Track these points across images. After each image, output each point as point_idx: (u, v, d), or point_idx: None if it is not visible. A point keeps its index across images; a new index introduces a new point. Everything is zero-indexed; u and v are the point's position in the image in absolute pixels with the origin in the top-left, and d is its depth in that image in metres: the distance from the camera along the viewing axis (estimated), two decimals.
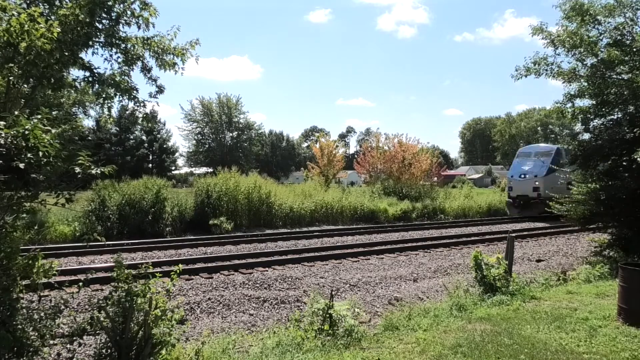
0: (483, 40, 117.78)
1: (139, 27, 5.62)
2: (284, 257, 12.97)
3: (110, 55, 5.58)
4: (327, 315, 6.57)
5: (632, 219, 11.82)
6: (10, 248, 4.42)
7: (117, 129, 59.26)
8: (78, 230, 16.52)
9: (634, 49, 11.34)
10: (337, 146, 40.64)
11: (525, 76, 12.76)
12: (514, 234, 10.54)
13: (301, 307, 8.76)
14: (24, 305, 4.66)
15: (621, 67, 11.80)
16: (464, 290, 9.05)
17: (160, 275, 5.46)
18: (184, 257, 12.34)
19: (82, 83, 5.55)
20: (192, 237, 17.21)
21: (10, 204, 4.47)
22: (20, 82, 4.88)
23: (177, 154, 68.69)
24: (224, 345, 6.24)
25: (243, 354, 6.08)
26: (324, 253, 13.71)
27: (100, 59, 5.62)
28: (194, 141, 70.76)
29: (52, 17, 4.95)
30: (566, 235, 18.84)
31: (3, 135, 3.99)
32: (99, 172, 4.77)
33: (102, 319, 4.86)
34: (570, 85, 12.70)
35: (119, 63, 5.61)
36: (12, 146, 4.05)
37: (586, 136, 13.61)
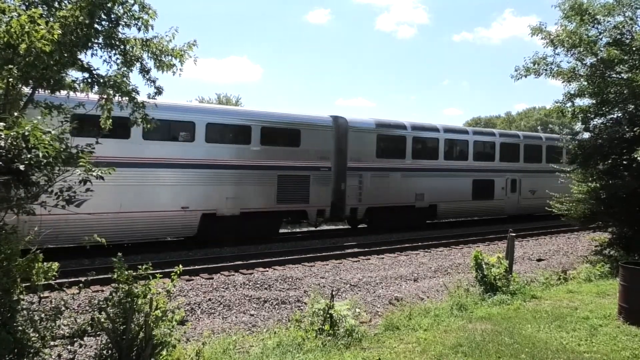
0: (482, 39, 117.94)
1: (138, 29, 5.62)
2: (284, 257, 12.97)
3: (110, 57, 5.59)
4: (328, 316, 6.57)
5: (633, 217, 11.82)
6: (10, 249, 4.42)
7: None
8: None
9: (634, 48, 11.33)
10: None
11: (525, 76, 12.76)
12: (514, 233, 10.53)
13: (302, 308, 8.76)
14: (24, 306, 4.66)
15: (621, 66, 11.79)
16: (464, 289, 9.05)
17: (160, 276, 5.46)
18: (184, 258, 12.33)
19: (81, 84, 5.54)
20: None
21: (10, 206, 4.47)
22: (19, 84, 4.88)
23: None
24: (224, 346, 6.25)
25: (244, 355, 6.08)
26: (324, 253, 13.71)
27: (99, 60, 5.63)
28: None
29: (52, 19, 4.96)
30: (567, 234, 18.84)
31: (3, 136, 3.99)
32: (100, 173, 4.78)
33: (102, 320, 4.87)
34: (570, 84, 12.70)
35: (117, 64, 5.62)
36: (12, 147, 4.05)
37: (586, 135, 13.61)
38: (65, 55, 4.91)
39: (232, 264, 11.89)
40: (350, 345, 6.08)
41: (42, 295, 4.91)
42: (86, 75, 5.48)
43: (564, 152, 23.15)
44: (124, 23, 5.51)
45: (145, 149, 12.97)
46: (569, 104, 12.94)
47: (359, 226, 19.24)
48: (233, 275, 11.00)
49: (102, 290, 9.09)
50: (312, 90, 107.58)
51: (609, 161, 12.47)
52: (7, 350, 4.13)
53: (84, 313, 6.96)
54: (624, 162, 12.05)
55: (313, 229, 18.24)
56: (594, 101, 12.56)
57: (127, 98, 5.65)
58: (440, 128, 20.21)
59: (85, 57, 5.43)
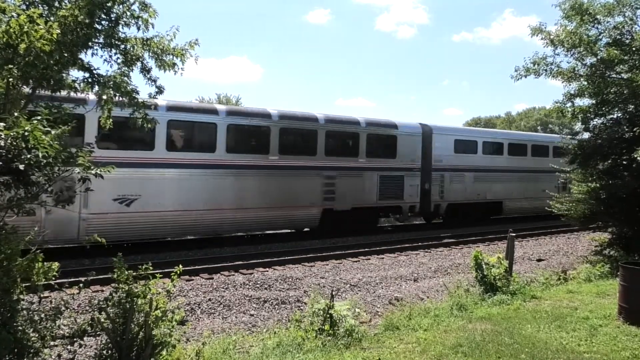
0: (482, 39, 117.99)
1: (138, 28, 5.61)
2: (284, 257, 12.97)
3: (110, 56, 5.57)
4: (328, 316, 6.57)
5: (633, 217, 11.82)
6: (10, 249, 4.42)
7: None
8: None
9: (634, 48, 11.33)
10: None
11: (525, 76, 12.76)
12: (514, 234, 10.53)
13: (302, 308, 8.75)
14: (24, 306, 4.66)
15: (621, 66, 11.80)
16: (464, 290, 9.05)
17: (160, 276, 5.46)
18: (184, 258, 12.32)
19: (81, 84, 5.54)
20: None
21: (10, 206, 4.47)
22: (19, 84, 4.88)
23: None
24: (224, 346, 6.24)
25: (244, 355, 6.08)
26: (324, 253, 13.70)
27: (99, 60, 5.62)
28: None
29: (52, 19, 4.95)
30: (566, 234, 18.83)
31: (3, 136, 3.99)
32: (99, 172, 4.78)
33: (102, 320, 4.87)
34: (569, 84, 12.71)
35: (118, 64, 5.61)
36: (12, 147, 4.05)
37: (586, 135, 13.61)
38: (65, 54, 4.91)
39: (232, 264, 11.88)
40: (350, 345, 6.08)
41: (42, 295, 4.91)
42: (86, 75, 5.48)
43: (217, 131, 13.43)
44: (124, 22, 5.50)
45: None
46: (569, 104, 12.95)
47: None
48: (233, 275, 11.00)
49: (102, 290, 9.08)
50: (312, 90, 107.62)
51: (609, 161, 12.47)
52: (7, 350, 4.13)
53: (84, 313, 6.95)
54: (624, 162, 12.06)
55: None
56: (594, 101, 12.56)
57: (127, 98, 5.64)
58: None
59: (85, 56, 5.43)
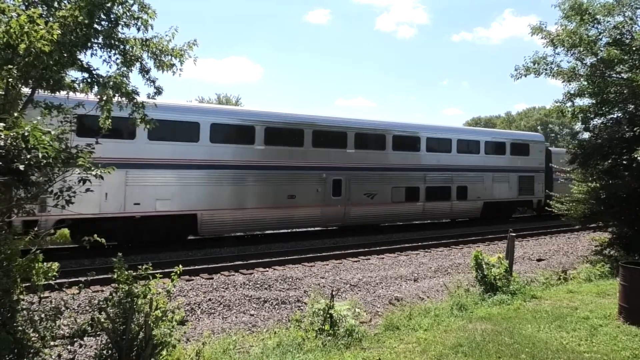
0: (481, 39, 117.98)
1: (138, 29, 5.62)
2: (284, 257, 12.97)
3: (109, 57, 5.58)
4: (328, 316, 6.57)
5: (633, 217, 11.82)
6: (10, 249, 4.42)
7: None
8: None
9: (634, 48, 11.33)
10: None
11: (525, 75, 12.77)
12: (514, 233, 10.52)
13: (302, 308, 8.75)
14: (24, 306, 4.66)
15: (621, 66, 11.80)
16: (464, 289, 9.05)
17: (160, 276, 5.46)
18: (184, 258, 12.33)
19: (81, 84, 5.54)
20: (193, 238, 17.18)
21: (10, 206, 4.47)
22: (19, 84, 4.88)
23: None
24: (224, 346, 6.25)
25: (244, 355, 6.08)
26: (324, 253, 13.70)
27: (99, 60, 5.62)
28: None
29: (51, 19, 4.95)
30: (567, 234, 18.83)
31: (3, 136, 3.99)
32: (99, 172, 4.78)
33: (102, 320, 4.87)
34: (570, 84, 12.72)
35: (117, 64, 5.61)
36: (11, 148, 4.05)
37: (586, 135, 13.62)
38: (65, 55, 4.91)
39: (232, 264, 11.89)
40: (350, 345, 6.08)
41: (42, 295, 4.91)
42: (86, 75, 5.48)
43: None
44: (123, 23, 5.51)
45: None
46: (569, 104, 12.97)
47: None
48: (233, 275, 11.00)
49: (102, 290, 9.08)
50: (312, 90, 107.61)
51: (609, 161, 12.47)
52: (7, 350, 4.13)
53: (84, 313, 6.96)
54: (624, 162, 12.06)
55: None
56: (594, 101, 12.56)
57: (126, 98, 5.65)
58: None
59: (85, 57, 5.44)
